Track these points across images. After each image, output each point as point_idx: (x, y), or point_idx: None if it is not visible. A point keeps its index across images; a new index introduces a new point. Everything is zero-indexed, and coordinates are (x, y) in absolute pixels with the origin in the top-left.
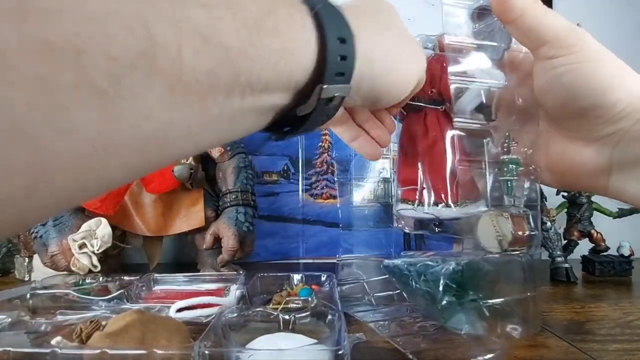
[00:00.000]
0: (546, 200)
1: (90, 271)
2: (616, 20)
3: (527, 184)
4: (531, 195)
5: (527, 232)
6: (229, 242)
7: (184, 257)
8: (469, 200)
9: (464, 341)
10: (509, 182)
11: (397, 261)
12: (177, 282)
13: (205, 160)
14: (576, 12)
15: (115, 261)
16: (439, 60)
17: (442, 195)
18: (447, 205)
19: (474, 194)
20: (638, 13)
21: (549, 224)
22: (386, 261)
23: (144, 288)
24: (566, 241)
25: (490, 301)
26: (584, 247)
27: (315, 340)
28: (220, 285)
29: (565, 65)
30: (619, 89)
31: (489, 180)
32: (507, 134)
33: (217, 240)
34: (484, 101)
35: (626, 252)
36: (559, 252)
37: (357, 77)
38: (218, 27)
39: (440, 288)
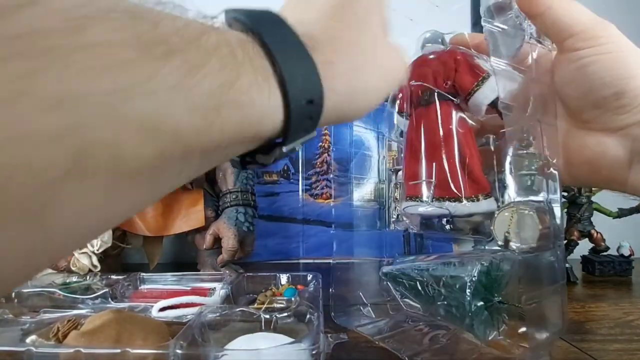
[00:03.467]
0: None
1: (90, 271)
2: (616, 20)
3: (545, 180)
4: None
5: (551, 228)
6: (229, 242)
7: (184, 257)
8: (482, 195)
9: (483, 350)
10: (529, 177)
11: (401, 266)
12: (164, 281)
13: None
14: None
15: (115, 261)
16: (452, 54)
17: (455, 190)
18: (459, 201)
19: (487, 188)
20: (638, 13)
21: None
22: (386, 268)
23: (130, 287)
24: (566, 241)
25: (517, 304)
26: (584, 247)
27: (292, 340)
28: (208, 285)
29: (591, 56)
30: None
31: (509, 176)
32: (524, 128)
33: (217, 240)
34: (500, 96)
35: (626, 252)
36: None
37: (323, 119)
38: (166, 112)
39: (468, 292)
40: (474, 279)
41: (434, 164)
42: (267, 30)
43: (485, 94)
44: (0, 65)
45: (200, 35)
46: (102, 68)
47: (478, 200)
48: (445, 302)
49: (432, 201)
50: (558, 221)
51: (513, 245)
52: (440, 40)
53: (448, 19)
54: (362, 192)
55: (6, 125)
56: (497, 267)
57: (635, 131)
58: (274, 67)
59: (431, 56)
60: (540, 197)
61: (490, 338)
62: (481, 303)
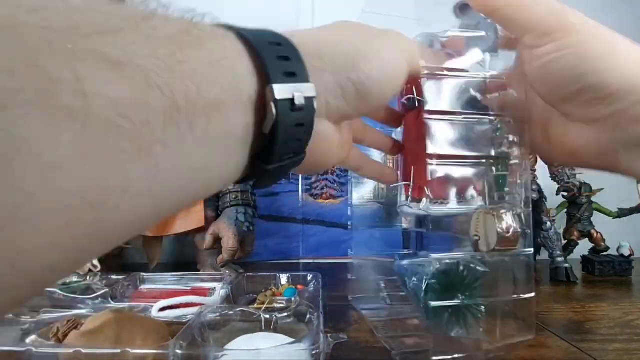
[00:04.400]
0: (546, 200)
1: (90, 271)
2: (616, 20)
3: (519, 180)
4: (525, 192)
5: (516, 231)
6: (228, 242)
7: (184, 257)
8: (444, 198)
9: (451, 343)
10: (500, 178)
11: (405, 262)
12: (164, 281)
13: None
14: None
15: (115, 261)
16: None
17: (427, 191)
18: (439, 203)
19: (456, 191)
20: (638, 13)
21: (549, 224)
22: (397, 261)
23: (130, 287)
24: (566, 241)
25: (480, 303)
26: (584, 247)
27: (292, 340)
28: (208, 285)
29: (550, 53)
30: (607, 71)
31: (483, 177)
32: (498, 127)
33: (217, 240)
34: (474, 95)
35: (626, 252)
36: (559, 252)
37: (319, 73)
38: (130, 50)
39: (423, 288)
40: (429, 276)
41: (413, 165)
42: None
43: (456, 95)
44: None
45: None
46: None
47: (446, 203)
48: (416, 298)
49: (411, 202)
50: (525, 224)
51: (481, 246)
52: (430, 42)
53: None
54: (362, 192)
55: None
56: (464, 267)
57: (611, 122)
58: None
59: None
60: (512, 199)
61: (453, 334)
62: (438, 300)
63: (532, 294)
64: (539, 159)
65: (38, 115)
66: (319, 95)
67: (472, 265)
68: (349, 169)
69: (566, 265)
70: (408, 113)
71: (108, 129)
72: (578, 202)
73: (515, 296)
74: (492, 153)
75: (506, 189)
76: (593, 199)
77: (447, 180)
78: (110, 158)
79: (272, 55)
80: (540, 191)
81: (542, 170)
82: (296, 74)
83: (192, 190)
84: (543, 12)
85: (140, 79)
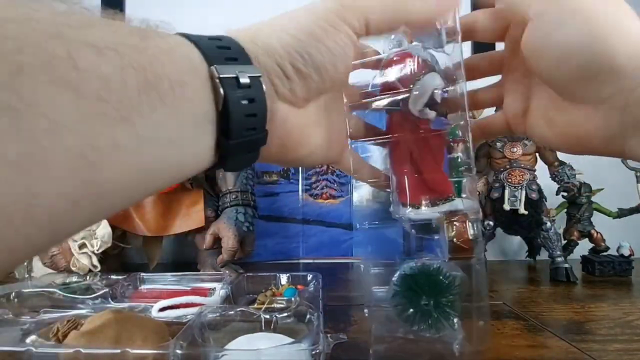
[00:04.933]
0: (546, 201)
1: (90, 271)
2: None
3: (475, 184)
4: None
5: (468, 238)
6: (228, 242)
7: (184, 257)
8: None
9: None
10: (456, 183)
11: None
12: (164, 281)
13: None
14: None
15: (115, 261)
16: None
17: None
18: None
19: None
20: (638, 13)
21: (548, 224)
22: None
23: (130, 287)
24: (566, 241)
25: (436, 306)
26: (584, 247)
27: (292, 340)
28: (208, 285)
29: (552, 21)
30: (615, 42)
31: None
32: (453, 128)
33: (217, 240)
34: (433, 99)
35: (626, 252)
36: (558, 252)
37: (256, 57)
38: (106, 39)
39: (392, 289)
40: (396, 277)
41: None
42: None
43: (413, 100)
44: None
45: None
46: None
47: (417, 208)
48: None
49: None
50: (475, 232)
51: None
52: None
53: None
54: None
55: None
56: (429, 271)
57: (619, 102)
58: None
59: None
60: (468, 205)
61: (417, 333)
62: (403, 300)
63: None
64: (538, 159)
65: (43, 81)
66: (262, 76)
67: (433, 270)
68: (344, 172)
69: (566, 265)
70: (392, 114)
71: (96, 98)
72: (578, 202)
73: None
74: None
75: (463, 195)
76: (593, 199)
77: (415, 186)
78: (100, 122)
79: (213, 45)
80: (540, 191)
81: (542, 170)
82: (237, 59)
83: (171, 162)
84: None
85: (117, 60)
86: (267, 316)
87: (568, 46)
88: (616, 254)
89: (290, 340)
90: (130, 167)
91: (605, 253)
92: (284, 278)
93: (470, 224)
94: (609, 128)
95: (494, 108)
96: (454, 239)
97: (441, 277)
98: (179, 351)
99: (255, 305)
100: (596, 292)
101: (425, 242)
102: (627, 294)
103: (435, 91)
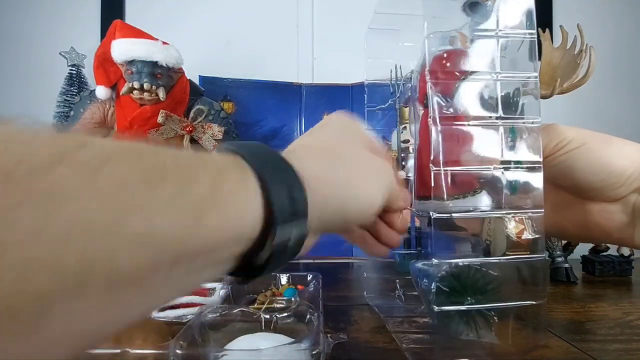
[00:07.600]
0: None
1: None
2: (616, 20)
3: (534, 184)
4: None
5: (529, 236)
6: None
7: None
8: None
9: (455, 344)
10: (513, 182)
11: (419, 263)
12: None
13: None
14: (576, 13)
15: None
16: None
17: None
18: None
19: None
20: (638, 13)
21: None
22: (412, 262)
23: None
24: (566, 241)
25: (490, 306)
26: (584, 247)
27: (292, 340)
28: (208, 285)
29: (560, 156)
30: (619, 159)
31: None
32: (511, 127)
33: None
34: (485, 95)
35: (626, 252)
36: (559, 252)
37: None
38: (155, 223)
39: (433, 291)
40: (438, 278)
41: (418, 164)
42: (250, 151)
43: (465, 95)
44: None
45: (192, 156)
46: (110, 198)
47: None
48: (426, 299)
49: (419, 201)
50: (538, 229)
51: (492, 251)
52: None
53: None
54: None
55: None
56: (475, 270)
57: (632, 198)
58: (255, 174)
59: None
60: (524, 204)
61: (463, 337)
62: (447, 303)
63: (543, 300)
64: None
65: None
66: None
67: (483, 269)
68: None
69: (566, 265)
70: (425, 110)
71: (123, 286)
72: None
73: (526, 302)
74: (503, 157)
75: (517, 194)
76: None
77: (455, 181)
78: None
79: (285, 212)
80: None
81: None
82: (296, 214)
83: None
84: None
85: (156, 249)
86: (267, 316)
87: (579, 172)
88: (616, 254)
89: (290, 340)
90: None
91: (605, 253)
92: (284, 278)
93: (529, 221)
94: (622, 218)
95: None
96: (515, 236)
97: (480, 278)
98: (178, 351)
99: (255, 305)
100: (596, 292)
101: (424, 241)
102: (627, 294)
103: None
